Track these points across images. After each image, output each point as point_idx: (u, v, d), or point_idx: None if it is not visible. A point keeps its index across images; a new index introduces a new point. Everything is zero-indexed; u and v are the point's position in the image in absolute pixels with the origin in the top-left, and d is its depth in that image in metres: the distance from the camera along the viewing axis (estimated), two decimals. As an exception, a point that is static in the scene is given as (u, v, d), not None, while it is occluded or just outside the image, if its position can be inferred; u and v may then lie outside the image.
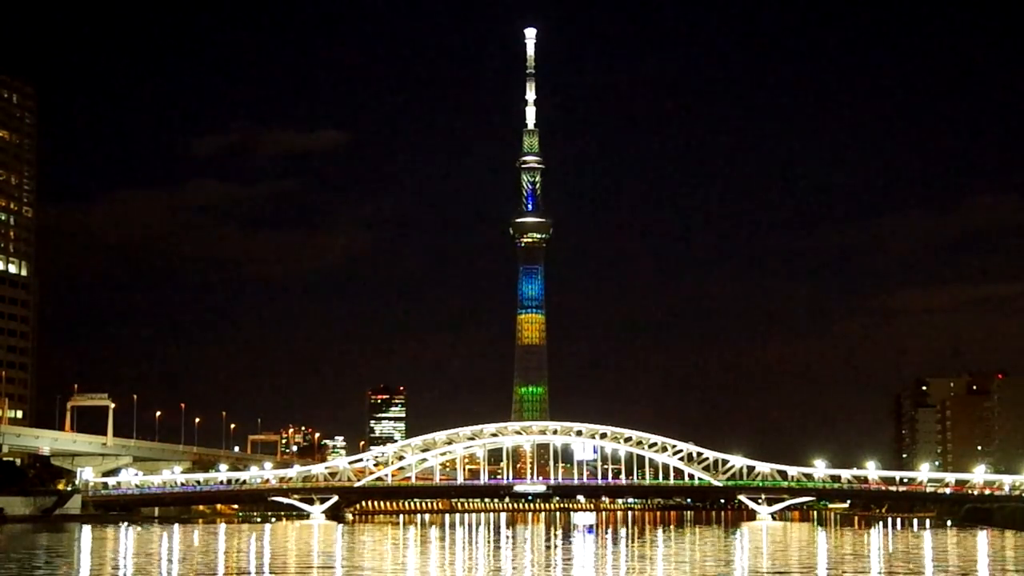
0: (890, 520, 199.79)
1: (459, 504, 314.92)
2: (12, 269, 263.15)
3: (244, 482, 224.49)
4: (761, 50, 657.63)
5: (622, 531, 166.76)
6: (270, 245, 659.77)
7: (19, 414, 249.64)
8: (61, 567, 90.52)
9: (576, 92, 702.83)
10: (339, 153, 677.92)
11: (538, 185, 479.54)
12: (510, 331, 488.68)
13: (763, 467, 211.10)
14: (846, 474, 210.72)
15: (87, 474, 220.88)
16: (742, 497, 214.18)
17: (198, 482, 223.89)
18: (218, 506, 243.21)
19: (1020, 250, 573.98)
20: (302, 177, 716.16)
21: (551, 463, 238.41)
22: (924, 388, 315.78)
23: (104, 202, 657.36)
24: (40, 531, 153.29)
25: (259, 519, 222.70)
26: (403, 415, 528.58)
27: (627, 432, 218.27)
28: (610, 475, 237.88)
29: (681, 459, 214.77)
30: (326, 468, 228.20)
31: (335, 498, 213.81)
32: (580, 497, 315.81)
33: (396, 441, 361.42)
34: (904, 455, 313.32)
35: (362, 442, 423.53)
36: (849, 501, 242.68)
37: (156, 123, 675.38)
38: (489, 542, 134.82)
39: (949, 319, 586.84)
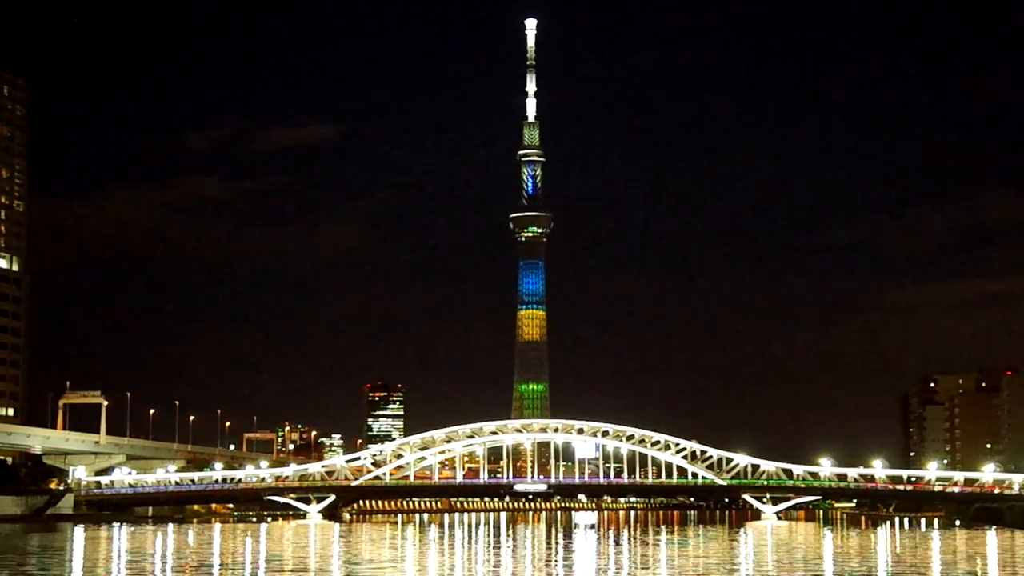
0: (897, 520, 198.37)
1: (458, 503, 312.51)
2: (3, 264, 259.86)
3: (239, 481, 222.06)
4: (764, 43, 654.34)
5: (624, 531, 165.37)
6: (265, 241, 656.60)
7: (10, 412, 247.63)
8: (53, 567, 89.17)
9: (577, 84, 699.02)
10: (335, 147, 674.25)
11: (539, 178, 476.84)
12: (510, 327, 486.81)
13: (768, 465, 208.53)
14: (852, 473, 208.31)
15: (79, 473, 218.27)
16: (746, 496, 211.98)
17: (193, 481, 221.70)
18: (213, 505, 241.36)
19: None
20: (297, 172, 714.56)
21: (552, 461, 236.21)
22: (932, 385, 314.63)
23: (97, 197, 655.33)
24: (31, 531, 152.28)
25: (255, 519, 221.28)
26: (401, 413, 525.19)
27: (629, 430, 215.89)
28: (612, 474, 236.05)
29: (684, 457, 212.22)
30: (323, 467, 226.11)
31: (332, 497, 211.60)
32: (582, 496, 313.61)
33: (394, 439, 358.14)
34: (912, 453, 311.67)
35: (359, 440, 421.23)
36: (855, 500, 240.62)
37: (149, 118, 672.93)
38: (489, 542, 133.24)
39: (957, 315, 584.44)
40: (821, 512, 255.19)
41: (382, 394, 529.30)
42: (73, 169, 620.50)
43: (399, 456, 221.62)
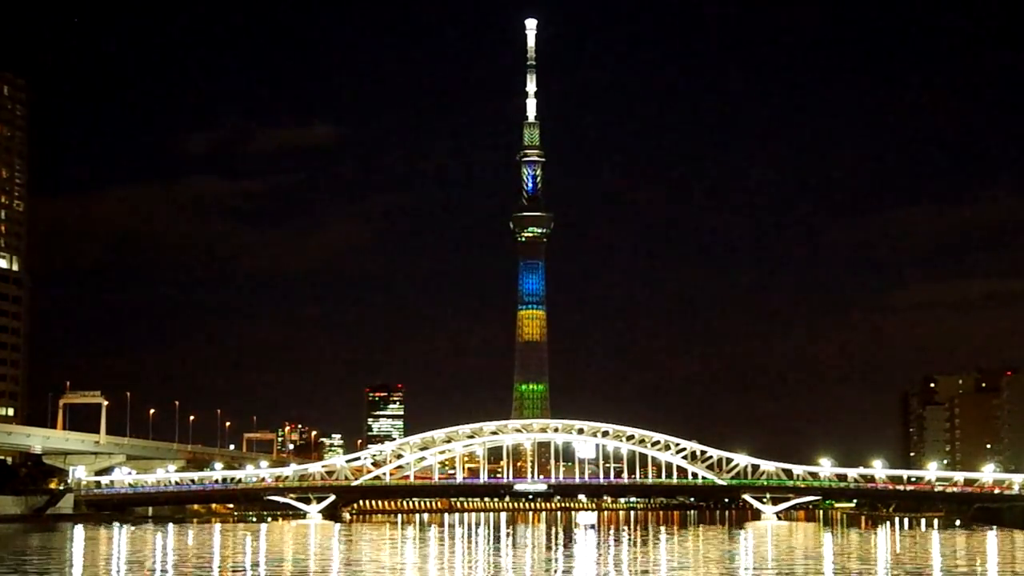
0: (897, 520, 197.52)
1: (458, 503, 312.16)
2: (3, 264, 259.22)
3: (239, 481, 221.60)
4: (766, 42, 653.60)
5: (624, 531, 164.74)
6: (265, 241, 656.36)
7: (10, 412, 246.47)
8: (52, 568, 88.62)
9: (578, 84, 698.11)
10: (335, 147, 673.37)
11: (539, 179, 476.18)
12: (510, 327, 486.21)
13: (768, 466, 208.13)
14: (852, 473, 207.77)
15: (79, 473, 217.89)
16: (746, 496, 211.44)
17: (193, 481, 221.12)
18: (213, 505, 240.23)
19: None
20: (297, 172, 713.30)
21: (552, 461, 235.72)
22: (932, 385, 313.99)
23: (97, 197, 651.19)
24: (31, 531, 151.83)
25: (255, 519, 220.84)
26: (401, 413, 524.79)
27: (629, 430, 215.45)
28: (612, 474, 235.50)
29: (684, 457, 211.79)
30: (323, 467, 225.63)
31: (332, 497, 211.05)
32: (582, 496, 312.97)
33: (394, 439, 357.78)
34: (912, 454, 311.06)
35: (360, 440, 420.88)
36: (855, 500, 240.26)
37: (150, 118, 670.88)
38: (489, 542, 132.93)
39: (958, 315, 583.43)
40: (821, 512, 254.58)
41: (382, 394, 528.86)
42: (73, 169, 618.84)
43: (399, 456, 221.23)
